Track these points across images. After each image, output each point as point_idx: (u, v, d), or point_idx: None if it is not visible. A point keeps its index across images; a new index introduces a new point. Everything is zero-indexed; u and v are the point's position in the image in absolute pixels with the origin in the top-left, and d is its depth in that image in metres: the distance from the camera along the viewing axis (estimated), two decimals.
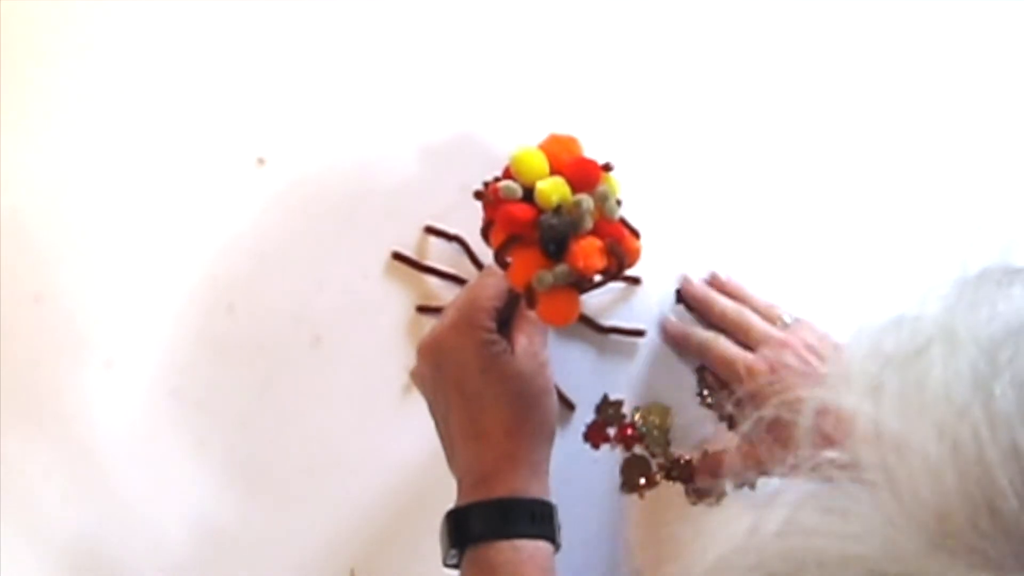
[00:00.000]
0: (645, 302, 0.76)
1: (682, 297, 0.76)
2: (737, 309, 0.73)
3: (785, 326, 0.71)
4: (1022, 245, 0.39)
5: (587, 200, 0.60)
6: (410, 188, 0.77)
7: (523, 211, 0.61)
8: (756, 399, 0.64)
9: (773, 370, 0.66)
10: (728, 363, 0.70)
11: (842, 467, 0.36)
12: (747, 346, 0.71)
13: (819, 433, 0.39)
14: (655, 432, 0.75)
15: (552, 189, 0.61)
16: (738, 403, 0.67)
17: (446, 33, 0.79)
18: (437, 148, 0.78)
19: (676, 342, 0.75)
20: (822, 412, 0.39)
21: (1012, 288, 0.36)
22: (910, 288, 0.38)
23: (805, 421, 0.39)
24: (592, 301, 0.75)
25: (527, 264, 0.61)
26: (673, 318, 0.76)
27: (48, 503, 0.74)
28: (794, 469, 0.39)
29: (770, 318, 0.72)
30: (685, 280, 0.76)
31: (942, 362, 0.35)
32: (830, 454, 0.37)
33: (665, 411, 0.75)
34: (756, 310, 0.73)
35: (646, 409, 0.75)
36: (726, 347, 0.71)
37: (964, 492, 0.32)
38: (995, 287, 0.36)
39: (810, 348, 0.68)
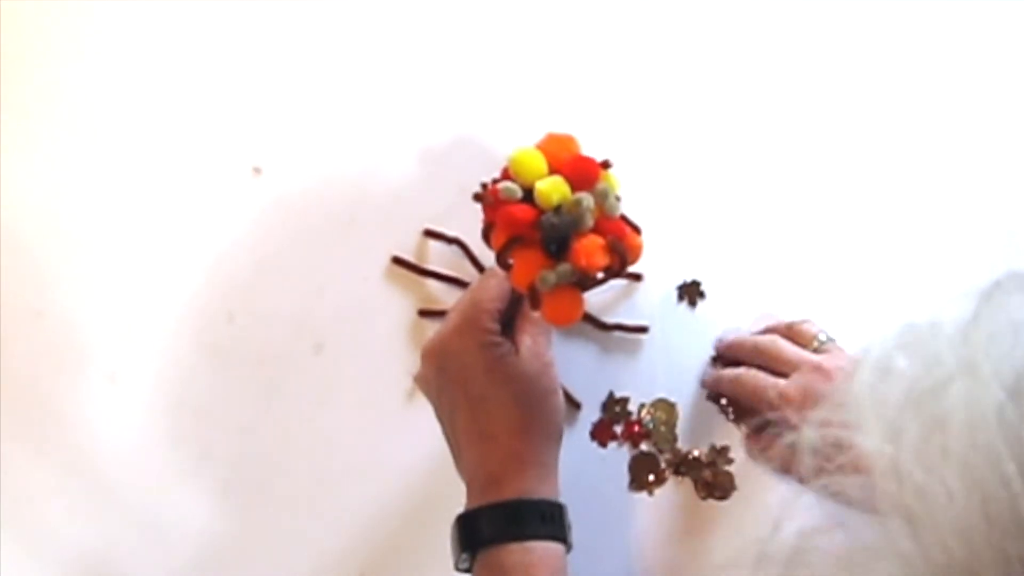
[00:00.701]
0: (648, 298, 0.76)
1: (717, 358, 0.75)
2: (769, 339, 0.72)
3: (821, 344, 0.70)
4: None
5: (587, 198, 0.60)
6: (408, 192, 0.77)
7: (524, 212, 0.61)
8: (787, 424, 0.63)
9: (806, 395, 0.65)
10: (760, 392, 0.69)
11: (861, 496, 0.35)
12: (782, 374, 0.69)
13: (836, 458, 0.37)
14: (662, 428, 0.75)
15: (552, 189, 0.60)
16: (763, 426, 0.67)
17: (440, 37, 0.79)
18: (434, 151, 0.77)
19: (710, 387, 0.75)
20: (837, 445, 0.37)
21: None
22: (919, 295, 0.37)
23: (810, 439, 0.37)
24: (595, 299, 0.75)
25: (529, 265, 0.61)
26: (708, 371, 0.75)
27: (52, 517, 0.74)
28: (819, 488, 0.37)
29: (804, 338, 0.71)
30: (717, 343, 0.75)
31: (964, 402, 0.33)
32: (850, 480, 0.35)
33: (671, 407, 0.75)
34: (789, 330, 0.72)
35: (652, 405, 0.75)
36: (756, 377, 0.70)
37: (997, 548, 0.30)
38: (1012, 299, 0.35)
39: (843, 372, 0.67)
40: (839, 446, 0.35)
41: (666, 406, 0.75)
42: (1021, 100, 0.80)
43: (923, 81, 0.80)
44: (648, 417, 0.75)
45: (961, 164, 0.79)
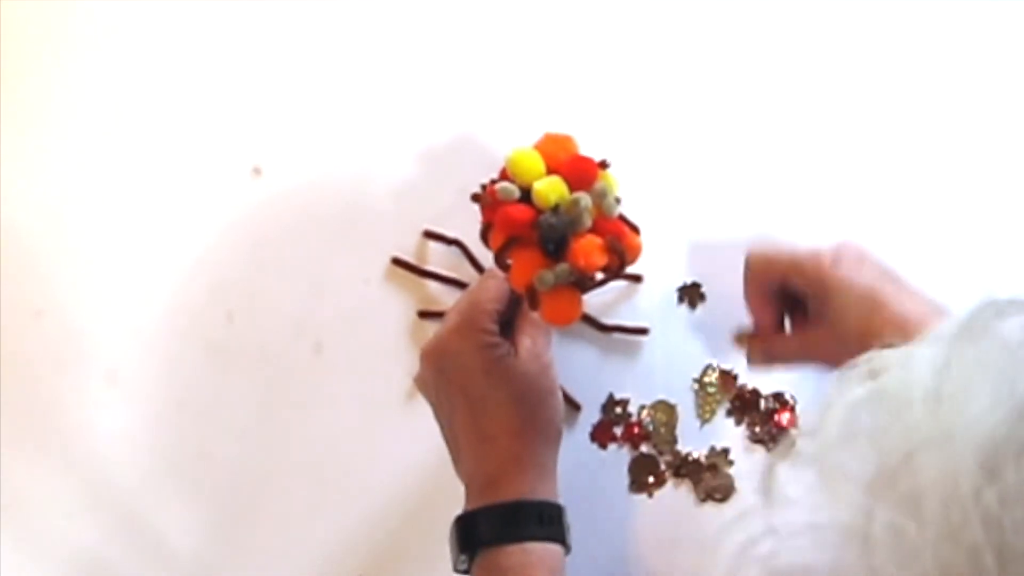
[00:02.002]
0: (648, 300, 0.76)
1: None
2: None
3: None
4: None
5: (585, 198, 0.60)
6: (408, 193, 0.77)
7: (521, 212, 0.61)
8: (823, 282, 0.63)
9: (837, 256, 0.64)
10: (787, 258, 0.66)
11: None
12: None
13: None
14: (662, 430, 0.75)
15: (549, 189, 0.60)
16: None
17: (439, 38, 0.79)
18: (433, 152, 0.78)
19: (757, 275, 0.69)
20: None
21: (1003, 334, 0.32)
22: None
23: (767, 482, 0.35)
24: (594, 300, 0.74)
25: (528, 265, 0.61)
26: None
27: (52, 517, 0.74)
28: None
29: None
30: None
31: (939, 479, 0.30)
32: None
33: (671, 408, 0.75)
34: None
35: (652, 407, 0.75)
36: (771, 248, 0.68)
37: None
38: (983, 343, 0.32)
39: (866, 255, 0.66)
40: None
41: (666, 408, 0.75)
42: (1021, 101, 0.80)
43: (923, 82, 0.80)
44: (648, 419, 0.75)
45: (961, 165, 0.79)
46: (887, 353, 0.34)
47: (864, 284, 0.63)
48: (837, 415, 0.34)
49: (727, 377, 0.75)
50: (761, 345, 0.70)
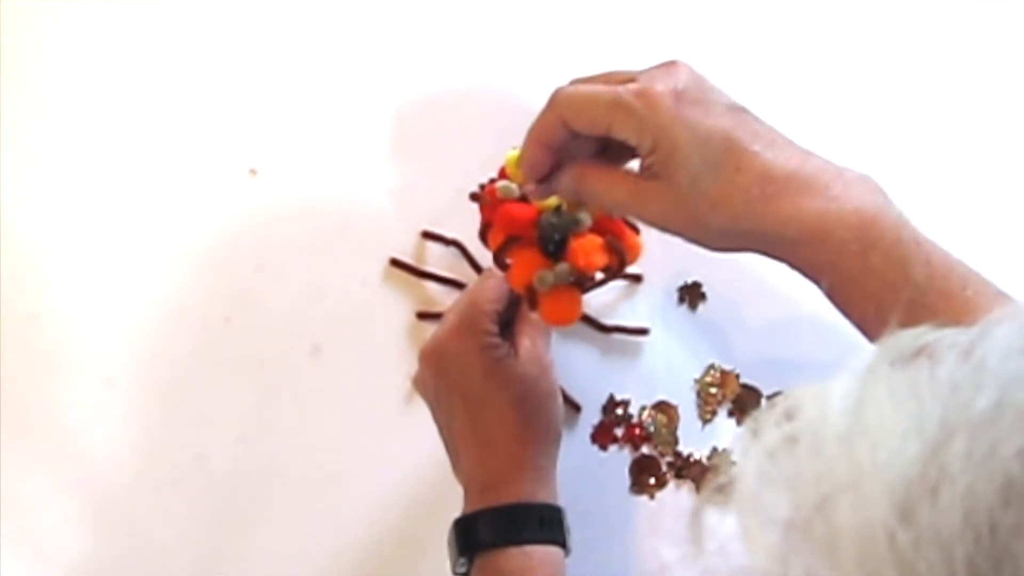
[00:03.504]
0: (648, 300, 0.76)
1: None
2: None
3: None
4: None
5: None
6: (406, 193, 0.77)
7: (522, 210, 0.61)
8: (658, 129, 0.53)
9: (676, 95, 0.53)
10: (609, 99, 0.54)
11: None
12: None
13: None
14: (663, 431, 0.74)
15: None
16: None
17: (436, 36, 0.79)
18: (431, 152, 0.77)
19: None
20: None
21: (915, 376, 0.31)
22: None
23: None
24: (595, 300, 0.74)
25: (527, 265, 0.61)
26: None
27: (48, 523, 0.73)
28: None
29: None
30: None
31: (852, 524, 0.29)
32: None
33: (672, 409, 0.75)
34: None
35: (653, 408, 0.75)
36: (591, 87, 0.57)
37: None
38: (896, 378, 0.31)
39: (703, 82, 0.56)
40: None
41: (667, 408, 0.75)
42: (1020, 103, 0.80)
43: (923, 83, 0.80)
44: (649, 419, 0.75)
45: (962, 167, 0.78)
46: (801, 392, 0.34)
47: (719, 132, 0.53)
48: (753, 460, 0.33)
49: (728, 377, 0.75)
50: (577, 170, 0.57)
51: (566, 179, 0.57)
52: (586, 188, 0.57)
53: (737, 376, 0.75)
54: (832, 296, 0.55)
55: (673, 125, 0.53)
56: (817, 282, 0.54)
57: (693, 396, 0.75)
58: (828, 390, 0.32)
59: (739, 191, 0.53)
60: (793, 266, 0.55)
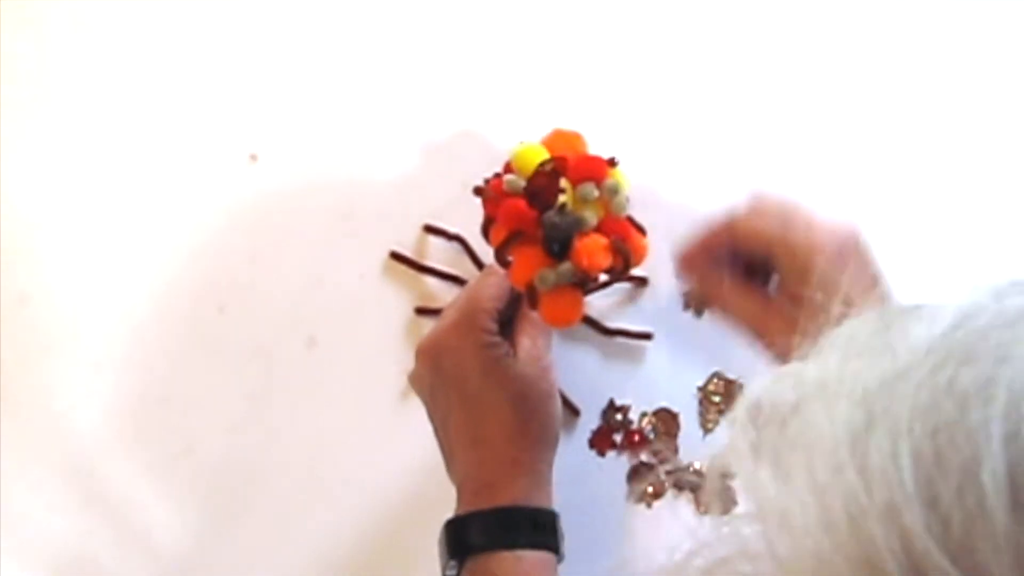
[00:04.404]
0: (652, 304, 0.76)
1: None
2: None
3: None
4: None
5: (592, 191, 0.60)
6: (409, 185, 0.77)
7: (526, 206, 0.60)
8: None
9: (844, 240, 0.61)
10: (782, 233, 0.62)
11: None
12: None
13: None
14: (663, 438, 0.74)
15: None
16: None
17: (444, 28, 0.79)
18: (436, 144, 0.77)
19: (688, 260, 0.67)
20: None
21: (890, 333, 0.35)
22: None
23: (712, 484, 0.38)
24: (598, 302, 0.75)
25: (529, 262, 0.60)
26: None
27: (36, 509, 0.74)
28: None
29: None
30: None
31: (819, 419, 0.33)
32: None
33: (673, 417, 0.75)
34: None
35: (654, 414, 0.75)
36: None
37: (847, 559, 0.31)
38: (876, 334, 0.35)
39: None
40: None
41: (668, 416, 0.75)
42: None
43: (923, 84, 0.80)
44: (649, 426, 0.74)
45: (962, 168, 0.78)
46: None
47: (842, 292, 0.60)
48: (745, 399, 0.37)
49: (732, 386, 0.75)
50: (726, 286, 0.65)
51: (714, 287, 0.65)
52: (726, 299, 0.65)
53: (741, 386, 0.75)
54: None
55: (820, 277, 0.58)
56: None
57: (695, 404, 0.75)
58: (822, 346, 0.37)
59: None
60: None
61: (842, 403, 0.33)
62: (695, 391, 0.75)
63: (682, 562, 0.36)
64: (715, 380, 0.75)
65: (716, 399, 0.74)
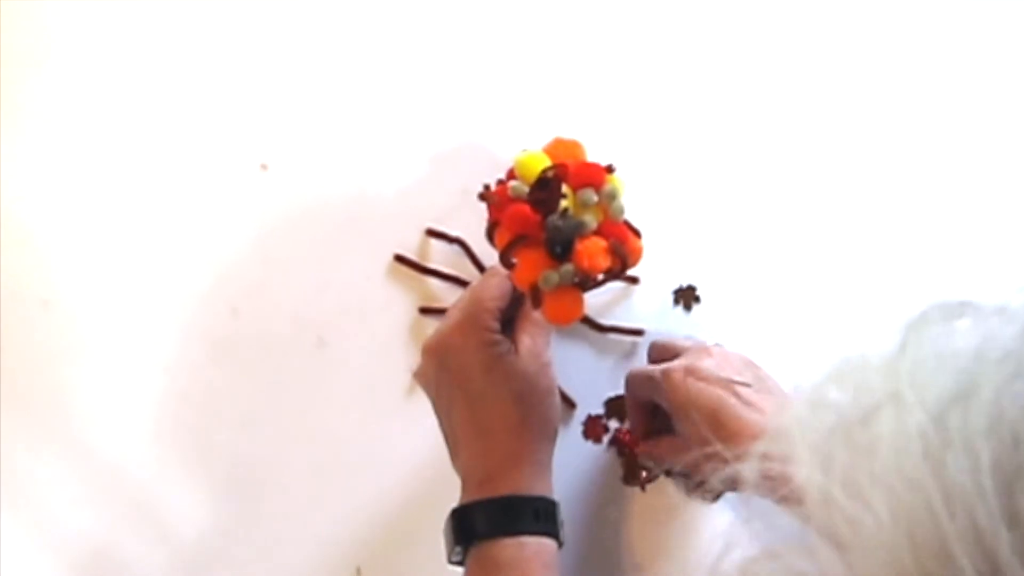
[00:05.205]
0: (643, 301, 0.77)
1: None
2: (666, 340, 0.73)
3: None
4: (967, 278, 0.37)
5: (592, 197, 0.61)
6: (412, 191, 0.77)
7: (531, 211, 0.61)
8: (673, 399, 0.65)
9: (688, 372, 0.65)
10: (647, 377, 0.69)
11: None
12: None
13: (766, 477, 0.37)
14: None
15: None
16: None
17: (448, 37, 0.79)
18: (439, 153, 0.78)
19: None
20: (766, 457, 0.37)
21: (954, 328, 0.34)
22: (859, 328, 0.36)
23: (751, 473, 0.37)
24: (592, 301, 0.74)
25: (533, 264, 0.61)
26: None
27: (54, 507, 0.74)
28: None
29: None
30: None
31: (890, 429, 0.32)
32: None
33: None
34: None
35: None
36: (642, 367, 0.71)
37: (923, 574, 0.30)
38: (935, 328, 0.34)
39: (727, 359, 0.67)
40: (778, 479, 0.35)
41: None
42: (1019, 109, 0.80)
43: (922, 85, 0.80)
44: None
45: (962, 169, 0.79)
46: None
47: (708, 402, 0.64)
48: (805, 391, 0.37)
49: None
50: (643, 449, 0.73)
51: (645, 447, 0.73)
52: (654, 452, 0.71)
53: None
54: None
55: (678, 399, 0.65)
56: None
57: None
58: (875, 339, 0.35)
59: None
60: None
61: (916, 413, 0.32)
62: None
63: (719, 559, 0.36)
64: None
65: None
